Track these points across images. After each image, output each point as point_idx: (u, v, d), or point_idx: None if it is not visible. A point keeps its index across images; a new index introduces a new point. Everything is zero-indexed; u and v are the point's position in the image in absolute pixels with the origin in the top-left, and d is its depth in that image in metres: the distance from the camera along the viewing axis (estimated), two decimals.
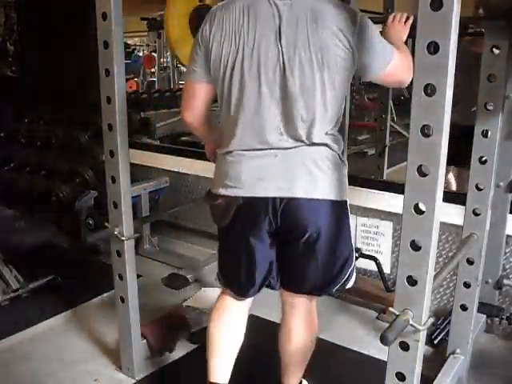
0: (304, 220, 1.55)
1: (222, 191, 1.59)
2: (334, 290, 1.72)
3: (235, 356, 1.81)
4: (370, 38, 1.45)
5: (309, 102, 1.46)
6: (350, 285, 1.73)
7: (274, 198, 1.53)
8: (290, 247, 1.63)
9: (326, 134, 1.52)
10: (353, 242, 1.73)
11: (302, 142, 1.50)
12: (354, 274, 1.74)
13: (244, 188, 1.55)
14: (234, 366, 1.85)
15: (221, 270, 1.80)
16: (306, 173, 1.51)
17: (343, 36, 1.42)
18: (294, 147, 1.51)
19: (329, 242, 1.60)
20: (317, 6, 1.42)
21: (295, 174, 1.52)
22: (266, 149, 1.52)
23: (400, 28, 1.65)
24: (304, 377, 1.93)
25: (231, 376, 1.89)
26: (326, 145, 1.52)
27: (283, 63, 1.44)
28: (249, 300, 1.80)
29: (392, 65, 1.50)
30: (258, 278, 1.67)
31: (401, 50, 1.55)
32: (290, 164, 1.51)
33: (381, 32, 1.58)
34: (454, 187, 3.24)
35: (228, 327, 1.79)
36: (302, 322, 1.76)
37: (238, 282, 1.73)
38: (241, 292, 1.75)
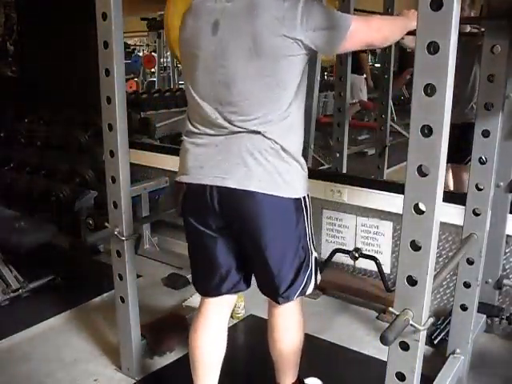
0: (242, 214, 1.53)
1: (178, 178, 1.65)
2: (294, 296, 1.65)
3: (218, 367, 1.80)
4: (319, 17, 1.43)
5: (243, 89, 1.47)
6: (309, 291, 1.68)
7: (211, 186, 1.53)
8: (241, 244, 1.62)
9: (266, 123, 1.48)
10: (310, 245, 1.64)
11: (239, 129, 1.49)
12: (313, 281, 1.67)
13: (189, 175, 1.58)
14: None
15: (191, 268, 1.81)
16: (242, 163, 1.50)
17: (280, 24, 1.41)
18: (231, 134, 1.51)
19: (275, 242, 1.55)
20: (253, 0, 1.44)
21: (231, 164, 1.51)
22: (209, 135, 1.55)
23: (412, 16, 1.58)
24: (305, 376, 1.94)
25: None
26: (262, 134, 1.48)
27: (219, 53, 1.48)
28: (227, 302, 1.77)
29: (351, 30, 1.44)
30: (215, 272, 1.67)
31: (383, 18, 1.58)
32: (227, 153, 1.51)
33: None
34: (450, 185, 3.24)
35: (208, 337, 1.76)
36: (284, 323, 1.74)
37: (197, 277, 1.76)
38: (201, 289, 1.76)
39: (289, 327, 1.75)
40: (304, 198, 1.58)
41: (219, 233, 1.62)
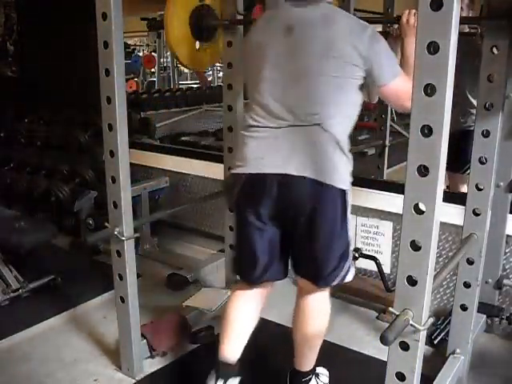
0: (298, 199, 1.66)
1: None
2: (333, 282, 1.76)
3: (247, 337, 1.88)
4: (379, 51, 1.61)
5: (311, 86, 1.63)
6: (349, 278, 1.79)
7: (271, 175, 1.65)
8: (288, 233, 1.74)
9: (328, 118, 1.62)
10: (350, 237, 1.75)
11: (302, 123, 1.63)
12: (353, 269, 1.79)
13: (248, 166, 1.70)
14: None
15: (234, 257, 1.95)
16: (302, 153, 1.63)
17: (349, 35, 1.60)
18: (293, 127, 1.64)
19: (325, 228, 1.68)
20: (330, 14, 1.65)
21: (291, 154, 1.64)
22: (270, 127, 1.67)
23: (413, 31, 1.66)
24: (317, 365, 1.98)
25: None
26: (323, 128, 1.62)
27: (291, 53, 1.65)
28: (262, 288, 1.87)
29: (395, 82, 1.64)
30: (258, 262, 1.76)
31: (408, 72, 1.60)
32: (288, 144, 1.64)
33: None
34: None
35: (243, 310, 1.89)
36: (311, 309, 1.84)
37: (240, 265, 1.88)
38: (243, 276, 1.86)
39: (318, 312, 1.85)
40: (348, 191, 1.70)
41: (269, 224, 1.72)
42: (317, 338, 1.88)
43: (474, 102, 2.69)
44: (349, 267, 1.76)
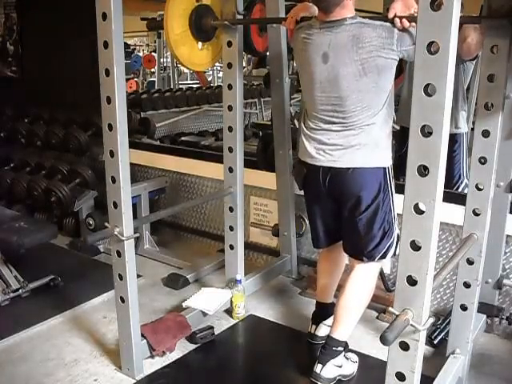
0: (346, 186, 1.99)
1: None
2: (377, 257, 2.02)
3: (336, 281, 2.32)
4: (407, 40, 1.82)
5: (355, 100, 1.90)
6: (389, 255, 2.04)
7: (325, 167, 2.00)
8: (341, 213, 2.06)
9: (370, 119, 1.92)
10: (393, 217, 2.00)
11: (349, 127, 1.94)
12: (393, 249, 2.03)
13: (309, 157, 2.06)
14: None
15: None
16: (350, 148, 1.95)
17: (381, 49, 1.82)
18: (342, 131, 1.96)
19: (368, 209, 1.97)
20: (357, 33, 1.84)
21: (342, 150, 1.96)
22: (324, 130, 2.00)
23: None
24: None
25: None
26: (366, 127, 1.92)
27: (332, 77, 1.91)
28: (335, 249, 2.22)
29: None
30: (321, 234, 2.19)
31: None
32: (339, 143, 1.96)
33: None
34: None
35: (326, 262, 2.31)
36: (355, 281, 2.08)
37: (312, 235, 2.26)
38: (314, 243, 2.27)
39: (362, 282, 2.08)
40: (388, 168, 1.99)
41: (326, 203, 2.11)
42: (355, 309, 2.07)
43: (455, 106, 2.63)
44: (389, 246, 2.01)
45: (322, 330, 2.28)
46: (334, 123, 1.98)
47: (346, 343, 2.12)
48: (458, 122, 2.73)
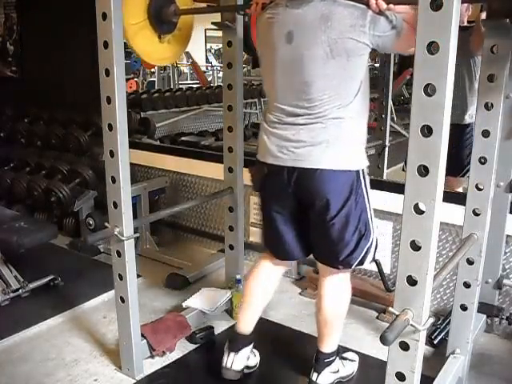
0: (313, 188, 1.78)
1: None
2: (353, 265, 1.85)
3: (261, 310, 2.10)
4: (382, 25, 1.64)
5: (321, 86, 1.70)
6: (366, 262, 1.86)
7: (288, 168, 1.79)
8: (309, 217, 1.85)
9: (339, 110, 1.71)
10: (370, 218, 1.83)
11: (316, 119, 1.73)
12: (371, 255, 1.86)
13: (269, 157, 1.84)
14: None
15: (261, 232, 2.08)
16: (317, 146, 1.74)
17: (352, 30, 1.63)
18: (309, 124, 1.74)
19: (340, 212, 1.77)
20: (326, 11, 1.65)
21: (308, 147, 1.75)
22: (288, 123, 1.78)
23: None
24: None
25: None
26: (335, 119, 1.72)
27: (296, 59, 1.71)
28: (285, 264, 2.08)
29: (401, 41, 1.66)
30: (282, 242, 1.94)
31: (407, 18, 1.65)
32: (305, 138, 1.75)
33: None
34: None
35: (262, 283, 2.07)
36: (330, 291, 1.94)
37: (268, 242, 2.04)
38: (269, 250, 2.04)
39: (337, 293, 1.95)
40: (362, 171, 1.79)
41: (288, 209, 1.90)
42: (336, 319, 1.95)
43: (471, 99, 2.76)
44: (367, 250, 1.84)
45: (239, 363, 2.06)
46: (298, 115, 1.75)
47: (339, 348, 2.06)
48: (471, 112, 2.80)
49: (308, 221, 1.87)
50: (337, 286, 1.93)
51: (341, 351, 2.10)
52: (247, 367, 2.12)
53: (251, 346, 2.11)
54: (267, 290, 2.09)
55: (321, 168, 1.74)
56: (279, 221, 1.91)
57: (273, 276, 2.08)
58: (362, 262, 1.85)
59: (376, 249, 1.88)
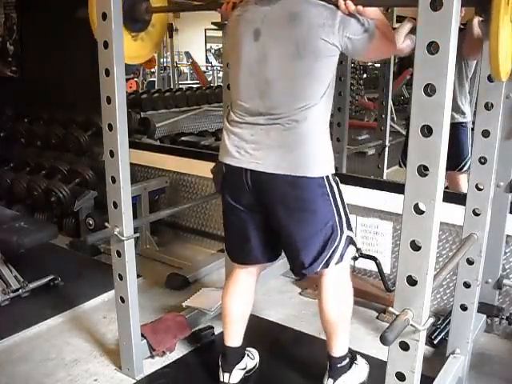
0: (269, 193, 1.73)
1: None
2: (317, 268, 1.78)
3: (245, 322, 2.03)
4: (353, 27, 1.60)
5: (286, 86, 1.66)
6: (332, 264, 1.78)
7: (246, 170, 1.73)
8: (271, 220, 1.79)
9: (303, 112, 1.65)
10: (338, 220, 1.75)
11: (278, 120, 1.67)
12: (339, 252, 1.77)
13: (229, 157, 1.79)
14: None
15: (224, 237, 2.03)
16: (278, 149, 1.68)
17: (321, 30, 1.58)
18: (270, 124, 1.69)
19: (300, 218, 1.72)
20: (295, 9, 1.61)
21: (265, 149, 1.70)
22: (250, 123, 1.73)
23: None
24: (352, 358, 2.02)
25: None
26: (297, 122, 1.66)
27: (261, 57, 1.67)
28: (254, 270, 1.99)
29: (372, 47, 1.64)
30: (242, 244, 1.90)
31: (379, 24, 1.64)
32: (265, 141, 1.70)
33: None
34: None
35: (237, 297, 2.01)
36: (328, 293, 1.87)
37: (229, 247, 2.00)
38: (232, 256, 1.99)
39: (334, 296, 1.88)
40: (327, 177, 1.72)
41: (249, 211, 1.84)
42: (339, 322, 1.90)
43: (460, 98, 2.89)
44: (332, 253, 1.76)
45: (237, 377, 2.03)
46: (260, 114, 1.69)
47: (350, 351, 2.00)
48: (464, 111, 2.92)
49: (272, 224, 1.81)
50: (335, 286, 1.87)
51: (354, 357, 2.04)
52: (247, 371, 2.09)
53: (244, 359, 2.07)
54: (245, 301, 2.02)
55: (278, 173, 1.67)
56: (240, 222, 1.85)
57: (247, 286, 2.01)
58: (327, 265, 1.77)
59: (348, 247, 1.79)
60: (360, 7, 1.57)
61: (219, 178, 1.85)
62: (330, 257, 1.77)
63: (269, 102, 1.68)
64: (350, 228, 1.80)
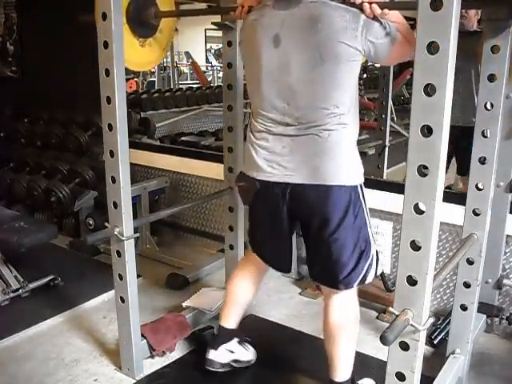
0: (309, 205, 1.70)
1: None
2: (354, 283, 1.74)
3: (243, 307, 2.11)
4: (375, 31, 1.56)
5: (309, 92, 1.62)
6: (369, 279, 1.76)
7: (280, 183, 1.70)
8: (305, 234, 1.80)
9: (329, 121, 1.62)
10: (370, 232, 1.75)
11: (306, 129, 1.64)
12: (373, 271, 1.76)
13: (258, 171, 1.76)
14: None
15: (248, 231, 2.04)
16: (310, 160, 1.65)
17: (343, 34, 1.54)
18: (298, 135, 1.66)
19: (338, 230, 1.68)
20: (316, 12, 1.56)
21: (299, 161, 1.67)
22: (275, 133, 1.70)
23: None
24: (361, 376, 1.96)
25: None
26: (326, 131, 1.63)
27: (283, 63, 1.62)
28: (262, 270, 2.04)
29: (394, 51, 1.60)
30: (278, 256, 1.94)
31: (400, 28, 1.60)
32: (296, 151, 1.67)
33: None
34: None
35: (243, 281, 2.06)
36: (332, 311, 1.80)
37: (254, 245, 2.00)
38: (254, 249, 1.99)
39: (342, 317, 1.79)
40: (359, 186, 1.70)
41: (282, 225, 1.83)
42: (344, 343, 1.80)
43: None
44: (368, 267, 1.74)
45: (222, 356, 2.07)
46: (287, 125, 1.66)
47: (352, 377, 1.88)
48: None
49: (305, 237, 1.81)
50: (342, 305, 1.79)
51: (356, 379, 1.93)
52: (237, 361, 2.12)
53: (233, 341, 2.10)
54: (251, 289, 2.08)
55: (315, 183, 1.65)
56: (270, 235, 1.85)
57: (256, 278, 2.07)
58: (363, 281, 1.74)
59: (378, 263, 1.78)
60: (386, 10, 1.53)
61: (250, 193, 1.80)
62: (367, 271, 1.74)
63: (295, 111, 1.64)
64: (375, 241, 1.79)
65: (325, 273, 1.78)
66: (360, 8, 1.55)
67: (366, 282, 1.76)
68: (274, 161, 1.70)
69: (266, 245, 1.93)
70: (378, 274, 1.81)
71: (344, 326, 1.79)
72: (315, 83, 1.61)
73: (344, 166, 1.66)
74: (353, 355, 1.84)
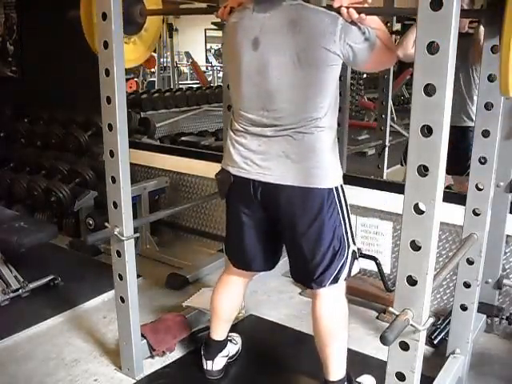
0: (279, 205, 1.71)
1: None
2: (326, 282, 1.74)
3: (232, 319, 2.11)
4: (354, 35, 1.56)
5: (288, 97, 1.63)
6: (341, 279, 1.76)
7: (253, 180, 1.72)
8: (279, 230, 1.80)
9: (307, 125, 1.64)
10: (345, 233, 1.74)
11: (282, 132, 1.65)
12: (346, 270, 1.76)
13: (234, 168, 1.77)
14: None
15: (225, 240, 2.03)
16: (284, 160, 1.67)
17: (321, 38, 1.54)
18: (274, 136, 1.67)
19: (309, 230, 1.70)
20: (295, 16, 1.57)
21: (273, 160, 1.68)
22: (254, 134, 1.71)
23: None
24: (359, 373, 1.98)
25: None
26: (303, 134, 1.64)
27: (262, 67, 1.63)
28: (249, 275, 2.01)
29: (373, 57, 1.62)
30: (247, 253, 1.89)
31: (380, 34, 1.61)
32: (269, 153, 1.68)
33: None
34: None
35: (226, 297, 2.05)
36: (321, 312, 1.80)
37: (231, 252, 1.98)
38: (232, 260, 1.97)
39: (330, 315, 1.80)
40: (336, 189, 1.70)
41: (255, 221, 1.83)
42: (334, 343, 1.80)
43: (469, 103, 2.84)
44: (341, 267, 1.74)
45: (220, 364, 2.09)
46: (265, 126, 1.67)
47: (348, 375, 1.89)
48: (473, 116, 2.85)
49: (278, 234, 1.82)
50: (328, 307, 1.80)
51: (353, 378, 1.94)
52: (230, 357, 2.15)
53: (227, 347, 2.13)
54: (234, 304, 2.07)
55: (286, 184, 1.66)
56: (244, 231, 1.84)
57: (238, 290, 2.04)
58: (336, 280, 1.74)
59: (353, 263, 1.77)
60: (363, 15, 1.53)
61: (225, 186, 1.82)
62: (339, 271, 1.74)
63: (272, 114, 1.65)
64: (354, 242, 1.79)
65: (300, 272, 1.82)
66: (338, 12, 1.55)
67: (339, 282, 1.76)
68: (248, 158, 1.72)
69: (242, 245, 1.87)
70: (353, 274, 1.79)
71: (331, 324, 1.80)
72: (293, 87, 1.61)
73: (317, 169, 1.66)
74: (344, 353, 1.84)
